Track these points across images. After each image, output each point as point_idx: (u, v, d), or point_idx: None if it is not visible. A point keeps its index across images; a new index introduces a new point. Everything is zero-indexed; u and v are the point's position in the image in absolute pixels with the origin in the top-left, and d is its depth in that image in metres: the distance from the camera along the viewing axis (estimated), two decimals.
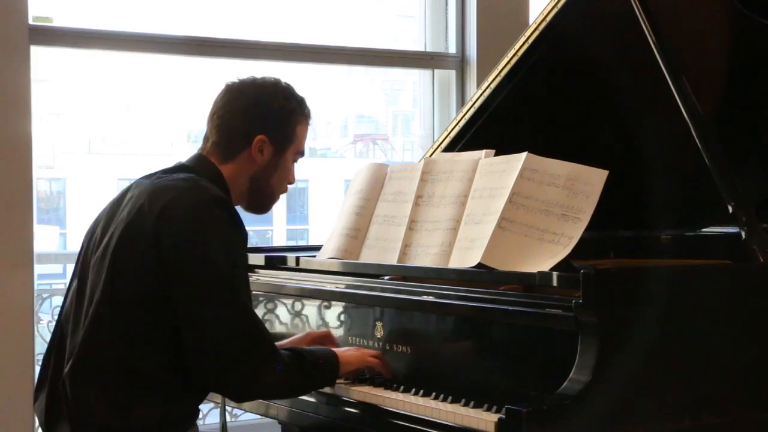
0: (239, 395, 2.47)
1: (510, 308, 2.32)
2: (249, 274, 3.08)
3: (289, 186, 2.61)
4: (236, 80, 2.53)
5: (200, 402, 2.45)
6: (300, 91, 2.58)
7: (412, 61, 5.21)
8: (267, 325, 3.02)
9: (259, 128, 2.48)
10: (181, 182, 2.38)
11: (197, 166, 2.47)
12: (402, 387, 2.50)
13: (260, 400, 2.82)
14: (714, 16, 2.98)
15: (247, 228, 2.44)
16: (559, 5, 3.00)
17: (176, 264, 2.27)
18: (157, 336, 2.29)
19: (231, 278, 2.31)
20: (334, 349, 2.55)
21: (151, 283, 2.28)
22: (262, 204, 2.58)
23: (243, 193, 2.52)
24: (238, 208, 2.52)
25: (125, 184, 2.53)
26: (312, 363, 2.44)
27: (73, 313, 2.38)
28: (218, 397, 2.98)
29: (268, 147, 2.49)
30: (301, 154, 2.59)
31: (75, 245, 2.66)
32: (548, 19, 3.04)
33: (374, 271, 2.75)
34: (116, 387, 2.27)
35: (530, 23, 3.12)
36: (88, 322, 2.30)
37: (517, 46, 3.11)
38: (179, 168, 2.47)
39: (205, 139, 2.52)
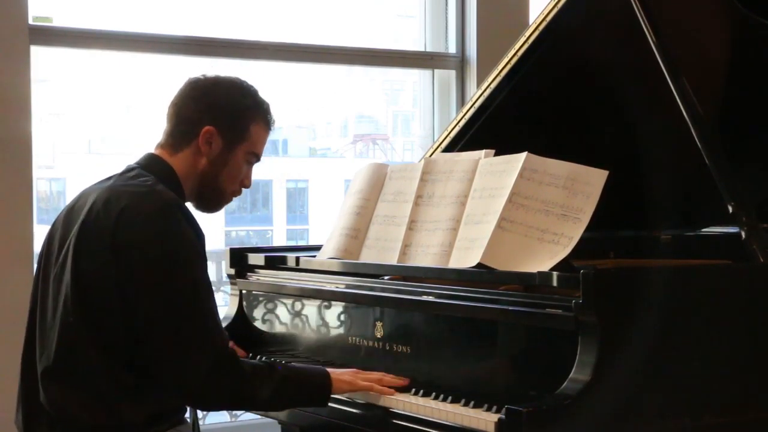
0: (193, 400, 2.44)
1: (510, 308, 2.32)
2: (249, 273, 3.10)
3: (244, 189, 2.55)
4: (200, 76, 2.51)
5: None
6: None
7: (412, 61, 5.21)
8: (267, 326, 3.03)
9: (208, 119, 2.44)
10: (136, 187, 2.36)
11: (148, 165, 2.44)
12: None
13: None
14: (714, 16, 2.98)
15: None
16: (559, 5, 3.01)
17: (134, 269, 2.26)
18: (133, 339, 2.28)
19: (189, 282, 2.29)
20: (330, 370, 2.50)
21: (115, 290, 2.26)
22: (210, 202, 2.54)
23: (193, 189, 2.49)
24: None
25: None
26: (285, 377, 2.39)
27: (39, 326, 2.37)
28: None
29: (217, 140, 2.45)
30: (257, 157, 2.53)
31: None
32: (548, 19, 3.04)
33: (374, 271, 2.75)
34: (100, 391, 2.27)
35: (530, 23, 3.12)
36: (58, 333, 2.29)
37: (517, 46, 3.12)
38: (130, 169, 2.44)
39: (164, 130, 2.51)
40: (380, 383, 2.48)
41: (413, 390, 2.46)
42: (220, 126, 2.46)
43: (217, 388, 2.33)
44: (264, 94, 2.57)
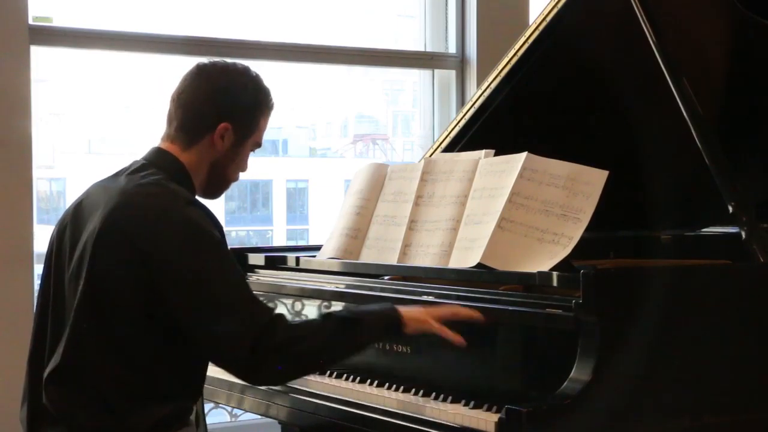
0: (252, 379, 2.42)
1: (510, 308, 2.32)
2: (249, 274, 3.10)
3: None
4: (207, 62, 2.49)
5: (195, 400, 2.44)
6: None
7: (412, 61, 5.21)
8: None
9: (225, 116, 2.43)
10: (151, 187, 2.34)
11: (158, 162, 2.42)
12: (402, 387, 2.50)
13: (261, 400, 2.82)
14: (714, 16, 2.98)
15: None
16: (559, 5, 3.01)
17: (164, 274, 2.24)
18: (146, 345, 2.27)
19: (218, 268, 2.28)
20: (400, 308, 2.40)
21: (134, 296, 2.25)
22: (215, 191, 2.54)
23: (202, 181, 2.48)
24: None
25: None
26: (342, 321, 2.35)
27: (51, 326, 2.36)
28: (218, 397, 2.99)
29: (230, 135, 2.44)
30: (259, 145, 2.54)
31: None
32: (548, 19, 3.04)
33: (374, 271, 2.75)
34: (107, 396, 2.26)
35: (530, 23, 3.12)
36: (69, 335, 2.28)
37: (517, 46, 3.12)
38: (140, 167, 2.41)
39: (169, 120, 2.46)
40: (455, 317, 2.38)
41: (413, 390, 2.47)
42: (235, 122, 2.45)
43: (269, 357, 2.28)
44: None
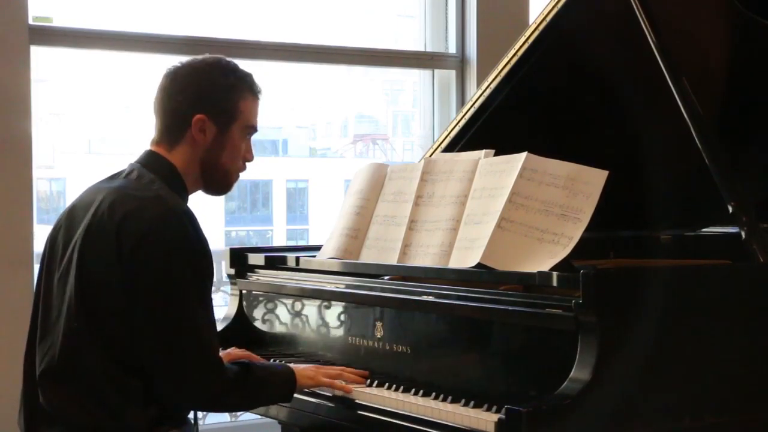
0: (176, 406, 2.42)
1: (510, 308, 2.32)
2: (249, 273, 3.10)
3: (247, 164, 2.53)
4: (177, 63, 2.48)
5: None
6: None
7: (412, 61, 5.21)
8: (267, 326, 3.03)
9: (197, 108, 2.41)
10: (143, 192, 2.34)
11: (149, 164, 2.42)
12: (402, 387, 2.50)
13: None
14: (714, 16, 2.98)
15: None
16: (559, 5, 3.00)
17: (136, 277, 2.25)
18: (137, 342, 2.27)
19: (184, 293, 2.28)
20: (293, 366, 2.55)
21: (120, 296, 2.26)
22: (218, 185, 2.52)
23: (197, 178, 2.47)
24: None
25: None
26: (256, 381, 2.42)
27: (41, 326, 2.36)
28: None
29: (210, 126, 2.42)
30: (253, 128, 2.51)
31: None
32: (548, 19, 3.04)
33: (374, 271, 2.75)
34: (103, 395, 2.26)
35: (530, 23, 3.12)
36: (62, 337, 2.28)
37: (517, 46, 3.12)
38: (134, 169, 2.42)
39: (155, 125, 2.48)
40: (340, 377, 2.56)
41: (413, 390, 2.47)
42: (210, 112, 2.42)
43: (201, 397, 2.36)
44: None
